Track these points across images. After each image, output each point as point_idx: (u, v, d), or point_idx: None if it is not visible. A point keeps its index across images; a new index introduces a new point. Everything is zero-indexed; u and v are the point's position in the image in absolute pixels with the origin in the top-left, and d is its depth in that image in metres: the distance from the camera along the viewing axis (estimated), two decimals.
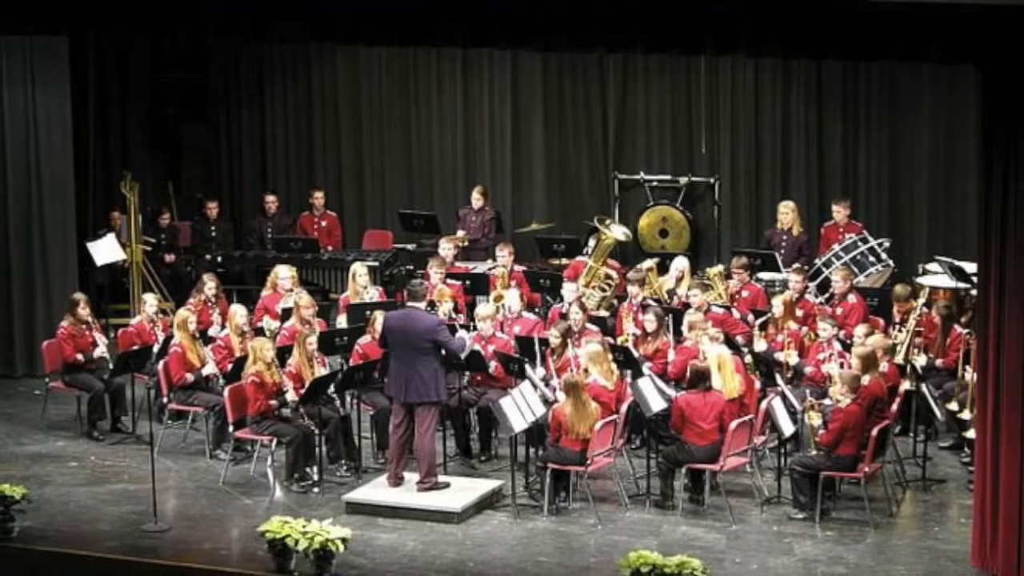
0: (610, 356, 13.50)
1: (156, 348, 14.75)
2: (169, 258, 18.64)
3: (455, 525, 12.64)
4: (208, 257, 18.46)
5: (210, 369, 14.42)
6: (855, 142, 17.92)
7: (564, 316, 14.55)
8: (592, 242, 16.87)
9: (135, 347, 14.84)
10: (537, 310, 15.92)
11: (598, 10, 11.88)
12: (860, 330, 13.84)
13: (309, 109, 19.95)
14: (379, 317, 13.76)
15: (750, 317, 15.03)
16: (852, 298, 15.02)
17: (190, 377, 14.33)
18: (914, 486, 13.36)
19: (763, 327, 14.58)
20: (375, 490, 13.17)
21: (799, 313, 14.78)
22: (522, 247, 17.57)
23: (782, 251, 16.86)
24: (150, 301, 15.44)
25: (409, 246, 18.27)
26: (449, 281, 15.78)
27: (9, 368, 16.77)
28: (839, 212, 17.03)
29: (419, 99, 19.48)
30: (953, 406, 13.43)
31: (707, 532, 12.48)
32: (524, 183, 19.24)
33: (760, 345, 14.36)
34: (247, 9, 12.91)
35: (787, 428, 12.95)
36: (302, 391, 13.49)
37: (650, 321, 14.38)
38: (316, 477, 13.48)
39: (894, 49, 11.59)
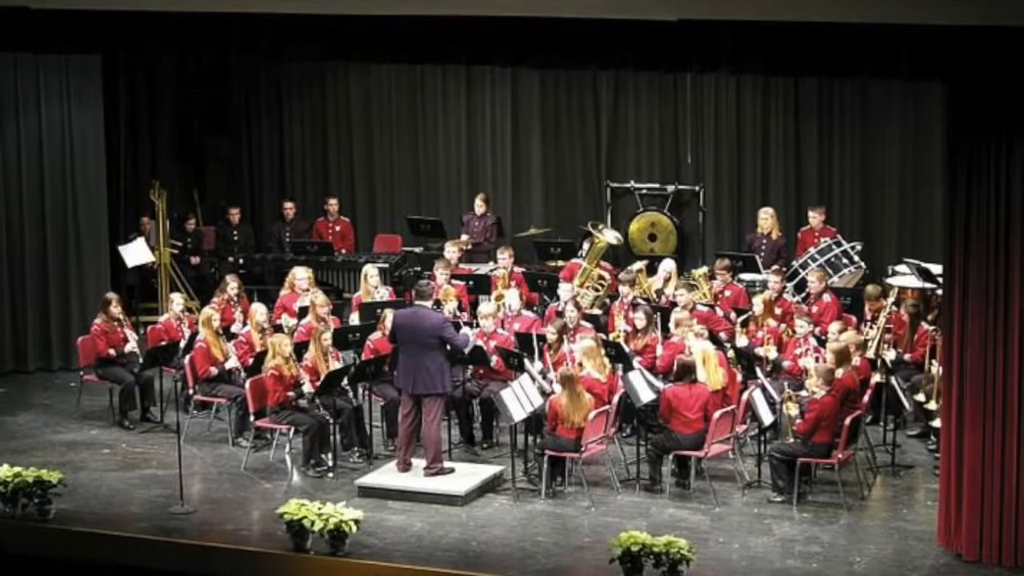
0: (603, 351, 13.48)
1: (183, 344, 14.74)
2: (194, 260, 18.64)
3: (459, 507, 12.63)
4: (231, 259, 18.45)
5: (232, 363, 14.42)
6: (830, 152, 17.90)
7: (560, 314, 14.53)
8: (586, 245, 16.84)
9: (163, 343, 14.83)
10: (535, 308, 15.90)
11: (591, 31, 11.88)
12: (834, 327, 13.81)
13: (324, 122, 19.94)
14: (389, 315, 13.75)
15: (732, 315, 15.01)
16: (827, 297, 15.00)
17: (214, 370, 14.33)
18: (884, 471, 13.35)
19: (744, 324, 14.57)
20: (385, 475, 13.16)
21: (778, 311, 14.76)
22: (521, 250, 17.55)
23: (762, 254, 16.84)
24: (177, 300, 15.44)
25: (417, 249, 18.24)
26: (454, 281, 15.77)
27: (46, 362, 16.77)
28: (815, 217, 17.02)
29: (426, 113, 19.48)
30: (920, 397, 13.42)
31: (692, 514, 12.48)
32: (523, 191, 19.23)
33: (742, 341, 14.35)
34: (267, 30, 12.90)
35: (767, 418, 12.95)
36: (318, 383, 13.48)
37: (640, 319, 14.37)
38: (331, 463, 13.48)
39: (866, 66, 11.59)
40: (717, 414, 12.69)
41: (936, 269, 14.23)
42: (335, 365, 13.77)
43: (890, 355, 14.01)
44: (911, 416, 14.06)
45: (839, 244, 16.45)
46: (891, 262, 16.56)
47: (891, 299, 14.62)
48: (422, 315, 13.03)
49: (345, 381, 13.88)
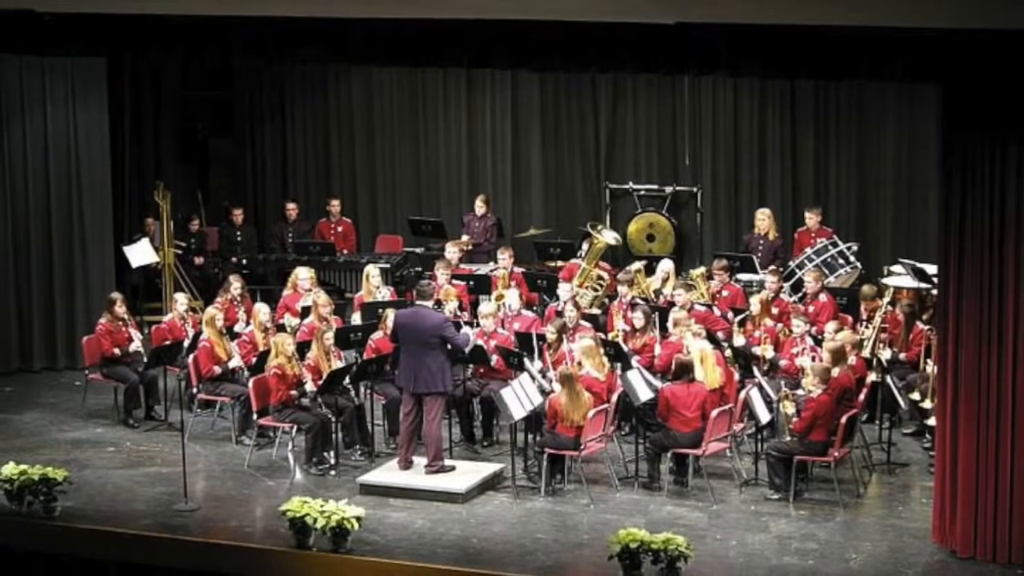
0: (601, 350, 13.49)
1: (186, 343, 14.74)
2: (198, 261, 18.64)
3: (460, 505, 12.64)
4: (234, 260, 18.44)
5: (236, 362, 14.42)
6: (826, 154, 17.92)
7: (559, 314, 14.55)
8: (585, 246, 16.85)
9: (167, 342, 14.84)
10: (535, 308, 15.91)
11: (590, 34, 11.89)
12: (830, 326, 13.82)
13: (326, 124, 19.95)
14: (390, 315, 13.76)
15: (730, 314, 15.02)
16: (823, 297, 15.01)
17: (217, 369, 14.34)
18: (880, 469, 13.36)
19: (742, 324, 14.58)
20: (386, 473, 13.17)
21: (774, 311, 14.77)
22: (521, 250, 17.56)
23: (759, 254, 16.85)
24: (181, 300, 15.45)
25: (418, 249, 18.25)
26: (454, 281, 15.78)
27: (52, 361, 16.78)
28: (811, 218, 17.04)
29: (427, 115, 19.49)
30: (915, 396, 13.43)
31: (690, 511, 12.48)
32: (523, 192, 19.24)
33: (739, 340, 14.36)
34: (270, 33, 12.92)
35: (764, 416, 12.95)
36: (320, 382, 13.49)
37: (638, 318, 14.38)
38: (333, 461, 13.48)
39: (861, 69, 11.58)
40: (715, 412, 12.69)
41: (931, 269, 14.24)
42: (337, 364, 13.78)
43: (886, 354, 14.03)
44: (906, 414, 14.06)
45: (835, 244, 16.45)
46: (887, 262, 16.55)
47: (887, 299, 14.63)
48: (423, 315, 13.04)
49: (347, 380, 13.88)
